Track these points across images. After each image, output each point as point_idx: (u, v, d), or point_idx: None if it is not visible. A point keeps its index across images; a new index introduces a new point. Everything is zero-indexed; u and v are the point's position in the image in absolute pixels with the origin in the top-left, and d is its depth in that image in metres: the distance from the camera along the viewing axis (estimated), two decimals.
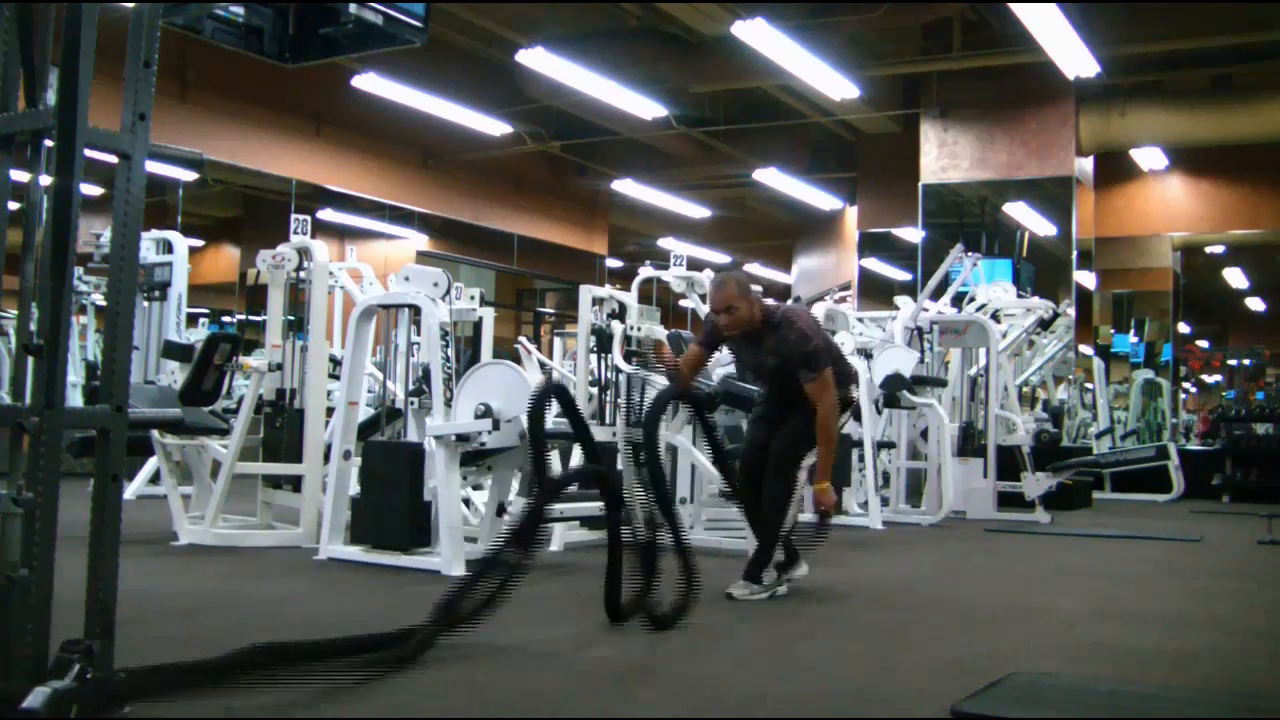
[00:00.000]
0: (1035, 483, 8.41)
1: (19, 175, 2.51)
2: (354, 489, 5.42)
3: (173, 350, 6.79)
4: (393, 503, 5.15)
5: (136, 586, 3.80)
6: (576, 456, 6.12)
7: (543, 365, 9.42)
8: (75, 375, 8.94)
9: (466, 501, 5.93)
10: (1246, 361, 17.45)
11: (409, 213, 13.70)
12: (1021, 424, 8.93)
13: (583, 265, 16.36)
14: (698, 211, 17.20)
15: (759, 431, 4.77)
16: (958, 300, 10.02)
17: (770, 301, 4.70)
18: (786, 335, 4.48)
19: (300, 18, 3.47)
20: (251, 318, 11.04)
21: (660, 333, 6.59)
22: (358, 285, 7.75)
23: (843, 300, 13.43)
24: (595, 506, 5.67)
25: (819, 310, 7.90)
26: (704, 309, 7.54)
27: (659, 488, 3.94)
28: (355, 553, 5.21)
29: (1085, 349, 13.95)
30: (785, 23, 9.47)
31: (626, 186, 15.38)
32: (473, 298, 6.47)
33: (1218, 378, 18.86)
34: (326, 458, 5.63)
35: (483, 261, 15.47)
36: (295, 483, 5.94)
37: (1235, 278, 18.82)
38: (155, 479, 7.42)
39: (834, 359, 4.61)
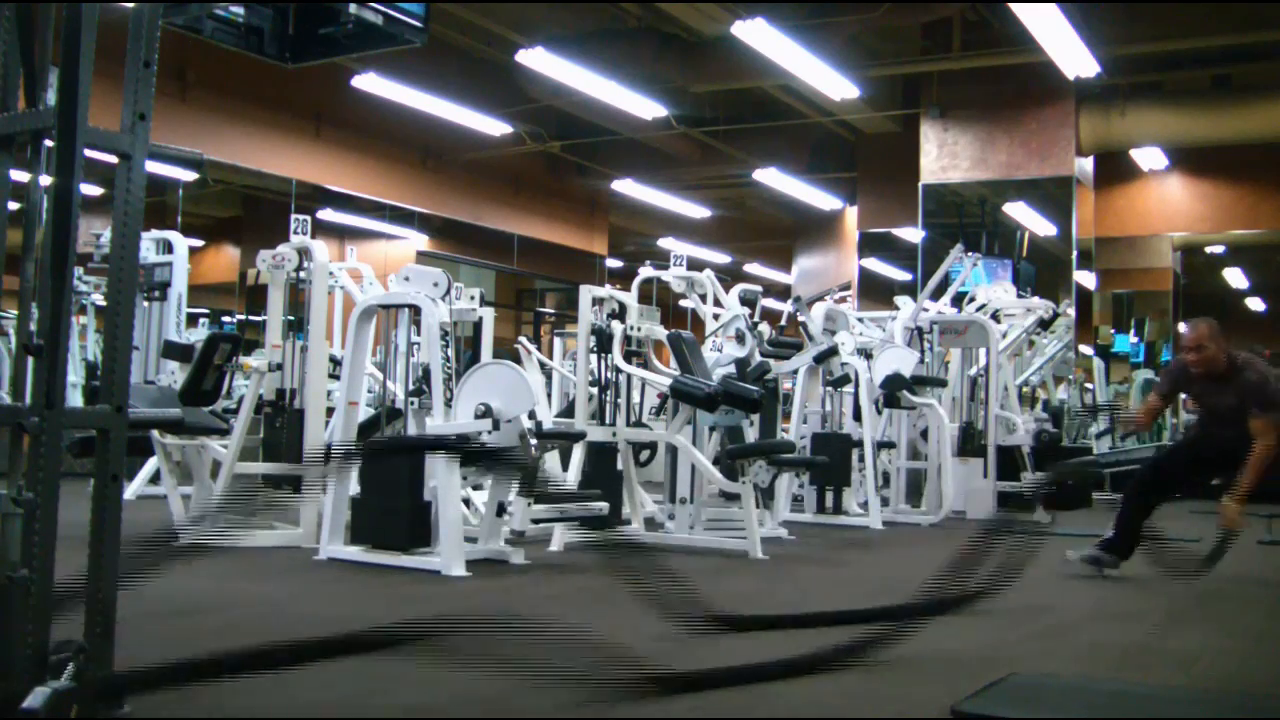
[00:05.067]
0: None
1: (19, 175, 2.51)
2: (354, 489, 5.42)
3: (173, 350, 6.78)
4: (393, 503, 5.15)
5: (137, 587, 3.80)
6: (576, 456, 6.13)
7: (543, 365, 9.41)
8: (75, 375, 8.94)
9: (466, 501, 5.92)
10: None
11: (409, 213, 13.69)
12: (1021, 424, 8.93)
13: (583, 265, 16.35)
14: (698, 211, 17.20)
15: (1181, 460, 5.44)
16: (958, 300, 10.02)
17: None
18: (1249, 376, 5.09)
19: (300, 18, 3.46)
20: (251, 318, 11.03)
21: (660, 333, 6.58)
22: (358, 285, 7.75)
23: (843, 300, 13.42)
24: (596, 507, 5.69)
25: (818, 310, 7.91)
26: (704, 309, 7.58)
27: None
28: (355, 553, 5.21)
29: (1085, 349, 13.95)
30: (785, 23, 9.47)
31: (626, 186, 15.38)
32: (473, 298, 6.47)
33: None
34: None
35: (483, 261, 15.46)
36: (295, 483, 5.93)
37: (1235, 278, 18.81)
38: (155, 479, 7.42)
39: None
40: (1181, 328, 16.11)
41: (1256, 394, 5.05)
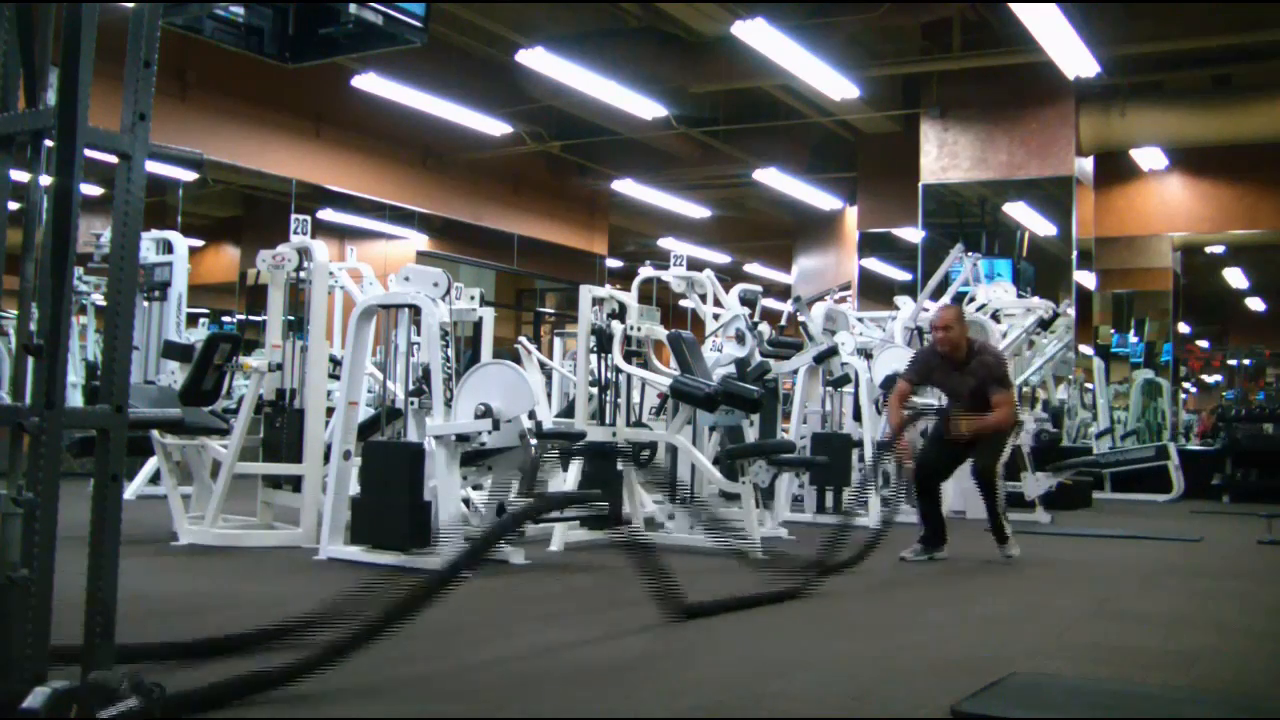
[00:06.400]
0: (1035, 483, 8.41)
1: (19, 175, 2.51)
2: (354, 489, 5.42)
3: (173, 350, 6.79)
4: (393, 503, 5.15)
5: (136, 586, 3.81)
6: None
7: (543, 365, 9.41)
8: (75, 375, 8.94)
9: (466, 501, 5.92)
10: (1246, 361, 17.46)
11: (409, 213, 13.70)
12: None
13: (583, 265, 16.36)
14: (698, 211, 17.20)
15: (937, 448, 6.00)
16: (958, 300, 10.01)
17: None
18: (985, 359, 5.78)
19: (300, 18, 3.46)
20: (251, 318, 11.04)
21: (660, 333, 6.58)
22: (358, 285, 7.75)
23: (843, 300, 13.42)
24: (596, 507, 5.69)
25: (818, 310, 7.91)
26: (704, 309, 7.58)
27: None
28: (355, 553, 5.21)
29: (1085, 349, 13.95)
30: (785, 23, 9.47)
31: (626, 186, 15.38)
32: (473, 298, 6.47)
33: (1218, 378, 18.87)
34: (326, 458, 5.63)
35: (483, 261, 15.47)
36: (295, 483, 5.93)
37: (1235, 278, 18.82)
38: (155, 479, 7.42)
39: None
40: (1182, 328, 16.17)
41: (991, 373, 5.74)
